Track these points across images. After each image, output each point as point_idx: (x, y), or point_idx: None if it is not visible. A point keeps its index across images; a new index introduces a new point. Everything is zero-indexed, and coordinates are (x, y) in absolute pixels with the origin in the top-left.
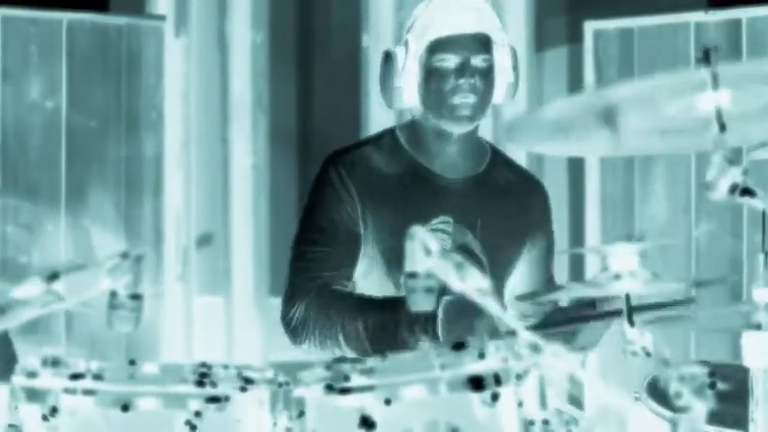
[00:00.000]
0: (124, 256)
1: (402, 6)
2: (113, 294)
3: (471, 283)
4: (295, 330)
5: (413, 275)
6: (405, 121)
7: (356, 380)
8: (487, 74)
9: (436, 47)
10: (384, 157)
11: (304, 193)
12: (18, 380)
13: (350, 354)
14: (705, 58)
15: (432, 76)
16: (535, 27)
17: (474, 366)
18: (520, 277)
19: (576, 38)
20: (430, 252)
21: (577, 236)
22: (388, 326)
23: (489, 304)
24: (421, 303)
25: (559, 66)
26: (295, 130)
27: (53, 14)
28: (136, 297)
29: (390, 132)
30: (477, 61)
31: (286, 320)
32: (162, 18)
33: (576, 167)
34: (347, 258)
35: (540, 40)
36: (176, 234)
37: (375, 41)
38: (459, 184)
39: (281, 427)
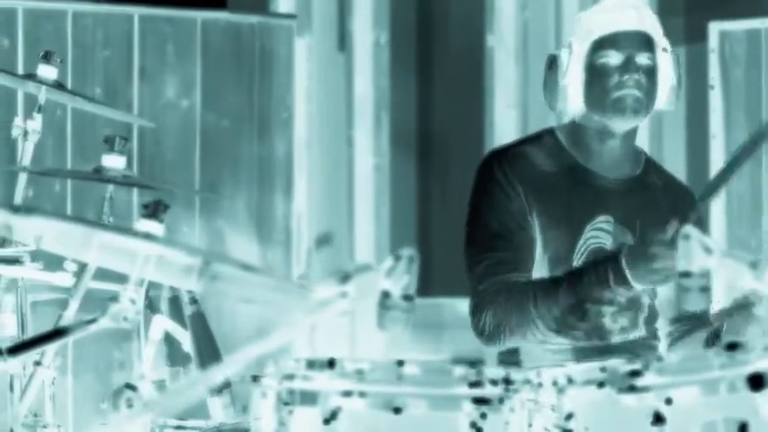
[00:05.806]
0: (397, 257)
1: (526, 6)
2: (386, 295)
3: None
4: (490, 336)
5: (687, 274)
6: (564, 123)
7: (643, 379)
8: (652, 73)
9: (600, 45)
10: (544, 156)
11: (425, 193)
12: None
13: (551, 336)
14: None
15: (595, 74)
16: None
17: (755, 365)
18: None
19: (696, 38)
20: (710, 251)
21: None
22: (582, 292)
23: None
24: (695, 302)
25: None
26: (416, 131)
27: (188, 13)
28: (408, 298)
29: (550, 132)
30: (642, 59)
31: (478, 329)
32: (293, 17)
33: (698, 165)
34: (525, 259)
35: None
36: (299, 234)
37: (499, 41)
38: (619, 184)
39: (536, 428)
